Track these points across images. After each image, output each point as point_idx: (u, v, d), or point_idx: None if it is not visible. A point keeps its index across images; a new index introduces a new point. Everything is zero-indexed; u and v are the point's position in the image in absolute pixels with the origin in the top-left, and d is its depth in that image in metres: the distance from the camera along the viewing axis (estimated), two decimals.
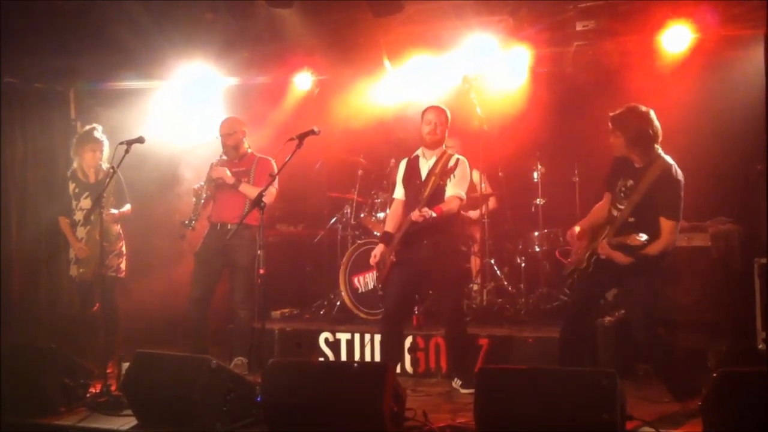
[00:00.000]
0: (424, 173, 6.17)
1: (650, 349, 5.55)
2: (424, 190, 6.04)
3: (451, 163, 6.06)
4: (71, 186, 7.28)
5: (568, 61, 7.80)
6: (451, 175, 6.00)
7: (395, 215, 6.37)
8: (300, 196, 8.85)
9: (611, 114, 5.39)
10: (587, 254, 5.54)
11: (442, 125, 6.15)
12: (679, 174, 5.28)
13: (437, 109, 6.20)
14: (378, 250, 6.28)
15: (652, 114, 5.32)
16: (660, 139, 5.32)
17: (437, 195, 6.02)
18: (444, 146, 6.24)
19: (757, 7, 6.56)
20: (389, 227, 6.35)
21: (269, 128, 8.51)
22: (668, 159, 5.30)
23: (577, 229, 5.72)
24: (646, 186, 5.26)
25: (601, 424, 4.36)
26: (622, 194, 5.42)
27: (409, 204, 6.19)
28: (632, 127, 5.30)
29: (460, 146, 8.29)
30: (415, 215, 5.87)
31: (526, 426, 4.53)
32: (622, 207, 5.39)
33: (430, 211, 5.86)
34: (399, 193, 6.40)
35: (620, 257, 5.32)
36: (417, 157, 6.28)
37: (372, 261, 6.30)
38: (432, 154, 6.18)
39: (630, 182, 5.38)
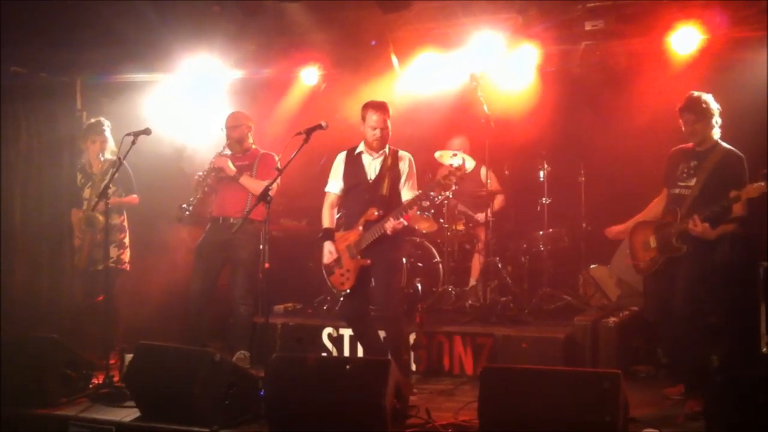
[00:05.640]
0: (371, 173, 6.01)
1: (670, 322, 5.64)
2: (380, 190, 5.92)
3: (403, 163, 5.99)
4: (78, 176, 7.35)
5: (575, 61, 7.79)
6: (404, 176, 5.97)
7: (332, 211, 6.17)
8: (304, 191, 8.81)
9: (683, 105, 5.72)
10: (673, 238, 5.67)
11: (387, 127, 5.95)
12: (740, 153, 5.66)
13: (382, 110, 5.93)
14: (329, 248, 6.03)
15: (712, 98, 5.73)
16: (719, 123, 5.70)
17: (393, 196, 5.94)
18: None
19: (765, 8, 6.56)
20: (327, 223, 6.13)
21: (275, 122, 8.52)
22: (727, 144, 5.68)
23: (630, 224, 6.05)
24: (713, 164, 5.57)
25: (604, 426, 4.36)
26: (685, 175, 5.71)
27: (355, 203, 6.04)
28: (703, 110, 5.66)
29: (468, 145, 8.31)
30: (389, 227, 5.72)
31: (528, 426, 4.54)
32: (689, 184, 5.68)
33: (403, 221, 5.80)
34: (336, 187, 6.16)
35: (710, 232, 5.52)
36: (360, 153, 6.07)
37: (330, 260, 6.02)
38: (377, 151, 6.02)
39: (693, 162, 5.69)
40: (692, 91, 5.75)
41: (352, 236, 5.97)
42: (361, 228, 5.93)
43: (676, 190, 5.76)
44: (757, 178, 5.45)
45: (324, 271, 6.14)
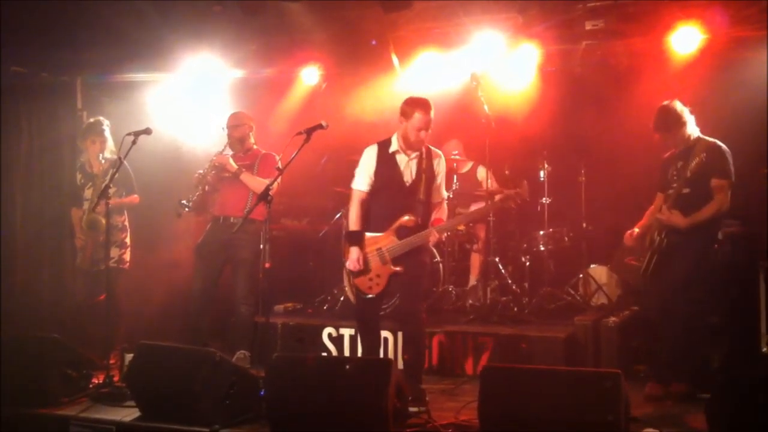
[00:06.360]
0: (407, 175, 5.76)
1: (669, 322, 5.64)
2: (418, 195, 5.73)
3: (438, 163, 5.85)
4: (78, 176, 7.36)
5: (576, 61, 7.80)
6: (439, 177, 5.86)
7: (361, 210, 5.82)
8: (305, 191, 8.85)
9: (653, 124, 5.87)
10: (656, 232, 5.76)
11: (431, 127, 5.75)
12: (724, 146, 5.73)
13: (429, 110, 5.68)
14: (358, 255, 5.69)
15: (679, 103, 5.78)
16: (692, 121, 5.79)
17: (428, 198, 5.81)
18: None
19: (765, 8, 6.56)
20: (357, 225, 5.78)
21: (275, 121, 8.52)
22: (709, 138, 5.76)
23: (636, 230, 6.03)
24: (696, 159, 5.59)
25: (606, 425, 4.35)
26: (675, 176, 5.79)
27: (388, 205, 5.75)
28: (668, 118, 5.77)
29: (461, 147, 8.31)
30: (433, 240, 5.69)
31: (529, 425, 4.53)
32: (676, 185, 5.74)
33: (444, 233, 5.78)
34: (366, 184, 5.82)
35: (678, 219, 5.61)
36: (395, 152, 5.78)
37: (356, 266, 5.69)
38: (414, 151, 5.79)
39: (680, 163, 5.77)
40: (659, 106, 5.84)
41: (383, 241, 5.70)
42: (394, 234, 5.67)
43: (669, 191, 5.84)
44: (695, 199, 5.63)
45: (348, 273, 5.85)
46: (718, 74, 7.15)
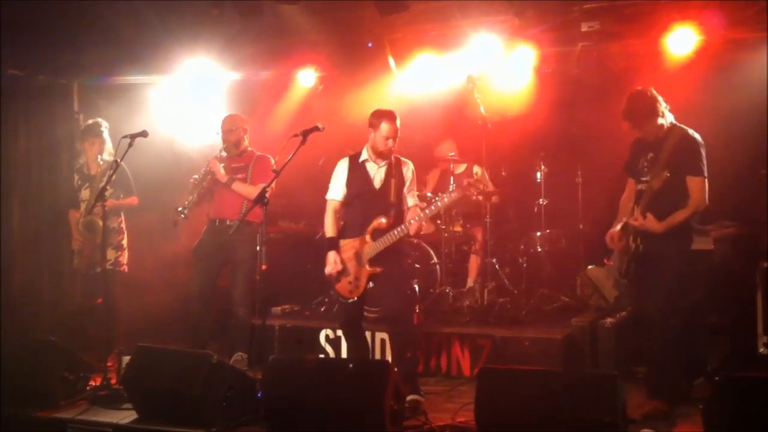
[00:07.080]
0: (377, 181, 5.98)
1: (660, 331, 5.51)
2: (388, 198, 5.92)
3: (407, 169, 6.05)
4: (75, 178, 7.36)
5: (573, 62, 7.79)
6: (408, 182, 6.05)
7: (335, 218, 6.09)
8: (302, 193, 8.82)
9: (622, 112, 5.58)
10: (630, 238, 5.57)
11: (398, 136, 5.95)
12: (697, 135, 5.46)
13: (395, 120, 5.91)
14: (335, 258, 5.93)
15: (652, 91, 5.53)
16: (667, 110, 5.50)
17: (399, 203, 5.98)
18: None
19: (764, 9, 6.56)
20: (332, 232, 6.03)
21: (272, 123, 8.52)
22: (683, 126, 5.50)
23: (618, 227, 5.74)
24: (668, 153, 5.39)
25: (603, 426, 4.36)
26: (645, 169, 5.55)
27: (361, 211, 5.96)
28: (637, 109, 5.50)
29: (455, 147, 8.31)
30: (413, 230, 5.81)
31: (526, 427, 4.54)
32: (647, 179, 5.49)
33: (422, 222, 5.88)
34: (338, 194, 6.08)
35: (653, 224, 5.38)
36: (365, 161, 6.02)
37: (334, 270, 5.92)
38: (383, 160, 6.00)
39: (650, 155, 5.53)
40: (631, 92, 5.60)
41: (359, 244, 5.89)
42: (368, 236, 5.86)
43: (640, 186, 5.61)
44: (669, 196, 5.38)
45: (329, 279, 6.05)
46: (714, 75, 7.14)
